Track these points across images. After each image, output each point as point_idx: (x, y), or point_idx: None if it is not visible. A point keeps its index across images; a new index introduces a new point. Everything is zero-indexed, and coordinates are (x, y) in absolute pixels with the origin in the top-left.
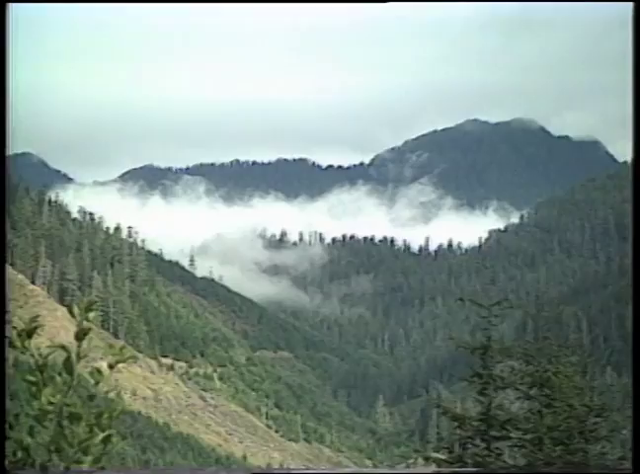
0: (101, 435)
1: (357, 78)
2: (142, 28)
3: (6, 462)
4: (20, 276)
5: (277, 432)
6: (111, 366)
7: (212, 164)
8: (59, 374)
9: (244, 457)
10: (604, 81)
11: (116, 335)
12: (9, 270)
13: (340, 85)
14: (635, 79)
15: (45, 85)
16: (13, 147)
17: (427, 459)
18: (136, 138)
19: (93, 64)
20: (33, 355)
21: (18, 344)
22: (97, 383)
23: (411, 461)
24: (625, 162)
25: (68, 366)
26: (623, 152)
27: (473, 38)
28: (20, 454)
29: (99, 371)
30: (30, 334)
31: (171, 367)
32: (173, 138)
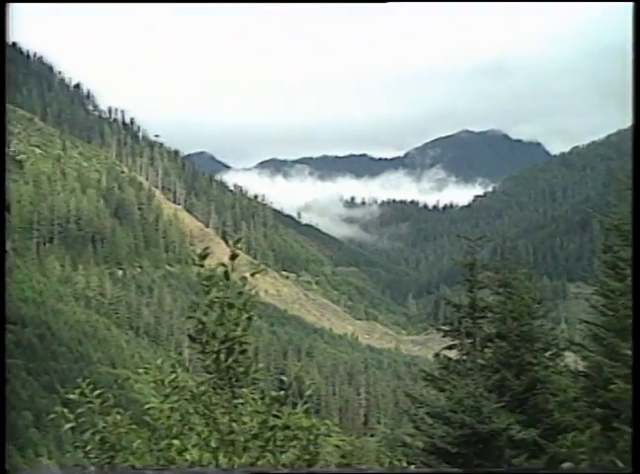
0: (245, 315)
1: (393, 106)
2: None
3: (6, 465)
4: (199, 224)
5: (349, 314)
6: (252, 275)
7: (311, 157)
8: (221, 280)
9: (330, 329)
10: (546, 105)
11: (255, 257)
12: (193, 220)
13: (384, 110)
14: (635, 79)
15: (211, 111)
16: (194, 148)
17: (438, 329)
18: (266, 142)
19: (234, 97)
20: (206, 269)
21: (198, 262)
22: (244, 285)
23: (428, 330)
24: (555, 155)
25: (226, 275)
26: (555, 149)
27: (462, 79)
28: (200, 327)
29: (244, 278)
30: (204, 257)
31: (287, 277)
32: (288, 142)
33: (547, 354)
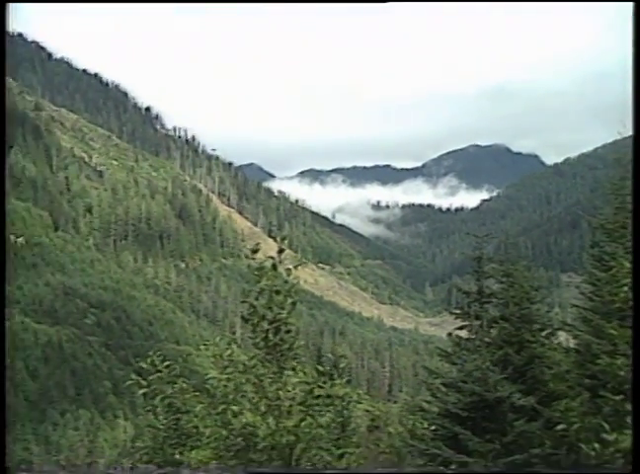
0: (290, 300)
1: (412, 124)
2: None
3: (7, 463)
4: (249, 224)
5: (376, 300)
6: (295, 267)
7: (343, 167)
8: (270, 271)
9: (359, 312)
10: (542, 123)
11: (296, 252)
12: (244, 221)
13: (404, 127)
14: (635, 79)
15: (258, 128)
16: (244, 160)
17: (450, 313)
18: (305, 154)
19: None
20: (255, 261)
21: (250, 256)
22: (288, 275)
23: (442, 314)
24: (550, 165)
25: (274, 266)
26: (550, 160)
27: (471, 101)
28: (251, 310)
29: (289, 269)
30: (255, 251)
31: (323, 269)
32: (323, 154)
33: (543, 333)
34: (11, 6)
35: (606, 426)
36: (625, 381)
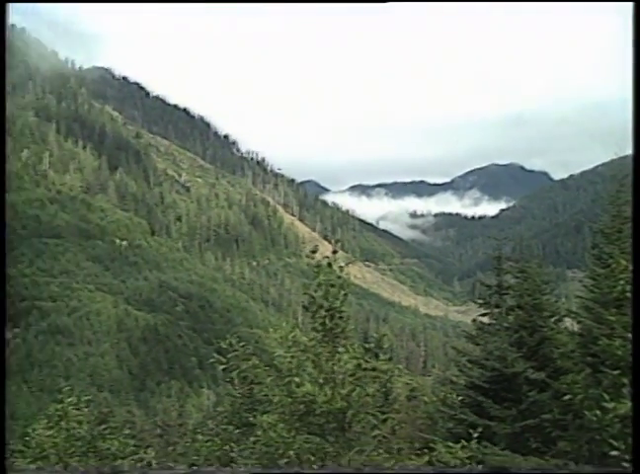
0: (342, 292)
1: (442, 146)
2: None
3: (6, 465)
4: (308, 229)
5: (413, 292)
6: (346, 265)
7: (386, 183)
8: (325, 268)
9: (399, 302)
10: (551, 146)
11: (347, 253)
12: (304, 227)
13: (435, 149)
14: (635, 79)
15: (315, 150)
16: (305, 177)
17: (475, 302)
18: (354, 172)
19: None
20: (314, 260)
21: (309, 256)
22: (341, 271)
23: (468, 303)
24: (557, 180)
25: (329, 264)
26: (557, 176)
27: (491, 127)
28: (311, 300)
29: (341, 267)
30: (314, 252)
31: (369, 266)
32: (369, 172)
33: (552, 319)
34: (10, 6)
35: (606, 396)
36: (622, 359)
